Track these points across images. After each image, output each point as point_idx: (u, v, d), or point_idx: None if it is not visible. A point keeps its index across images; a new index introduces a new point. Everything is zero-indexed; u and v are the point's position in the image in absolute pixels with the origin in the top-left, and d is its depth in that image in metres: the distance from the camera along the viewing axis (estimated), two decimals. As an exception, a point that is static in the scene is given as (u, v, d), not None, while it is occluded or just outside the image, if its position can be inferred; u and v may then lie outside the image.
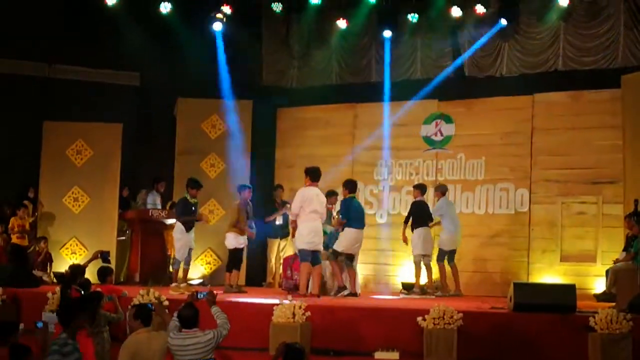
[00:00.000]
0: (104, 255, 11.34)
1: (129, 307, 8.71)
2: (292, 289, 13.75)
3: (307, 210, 12.61)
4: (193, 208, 13.78)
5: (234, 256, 13.74)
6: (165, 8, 15.73)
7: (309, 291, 12.60)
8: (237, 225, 13.60)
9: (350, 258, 13.16)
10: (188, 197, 13.74)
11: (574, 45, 14.95)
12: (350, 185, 13.44)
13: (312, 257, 12.58)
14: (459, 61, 15.68)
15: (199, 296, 8.72)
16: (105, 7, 15.39)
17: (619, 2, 14.58)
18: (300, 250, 12.82)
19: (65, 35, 15.78)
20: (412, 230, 14.06)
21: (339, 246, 13.03)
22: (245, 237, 13.77)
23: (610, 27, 14.66)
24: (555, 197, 14.85)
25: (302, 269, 12.74)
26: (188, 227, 13.61)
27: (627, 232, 13.22)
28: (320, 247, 12.86)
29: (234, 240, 13.61)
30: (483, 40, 15.45)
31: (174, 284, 13.40)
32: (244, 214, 13.70)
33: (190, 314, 8.04)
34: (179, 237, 13.61)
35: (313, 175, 12.99)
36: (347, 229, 13.08)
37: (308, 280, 12.74)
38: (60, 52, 16.13)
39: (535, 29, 15.31)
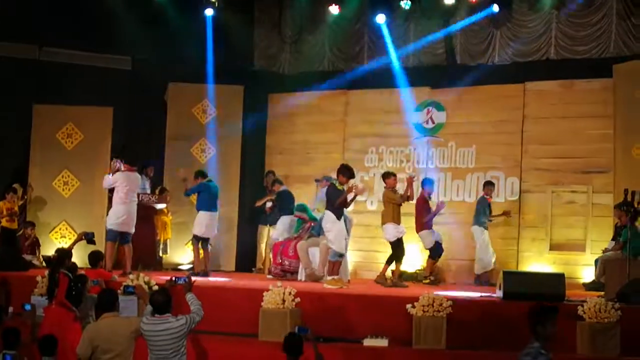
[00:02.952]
0: (88, 237, 11.31)
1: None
2: (281, 275, 13.78)
3: None
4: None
5: (398, 247, 13.26)
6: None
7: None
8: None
9: None
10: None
11: (567, 34, 14.95)
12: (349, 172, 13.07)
13: None
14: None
15: (177, 281, 8.73)
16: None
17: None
18: None
19: (56, 18, 15.64)
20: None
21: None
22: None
23: (603, 16, 14.66)
24: (546, 185, 14.88)
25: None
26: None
27: (616, 222, 13.27)
28: None
29: (394, 231, 13.22)
30: (471, 19, 15.40)
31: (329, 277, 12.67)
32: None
33: (162, 299, 8.08)
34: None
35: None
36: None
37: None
38: (51, 35, 15.98)
39: (528, 17, 15.30)
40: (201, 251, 14.15)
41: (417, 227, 14.17)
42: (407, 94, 16.09)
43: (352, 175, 12.82)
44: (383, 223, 13.20)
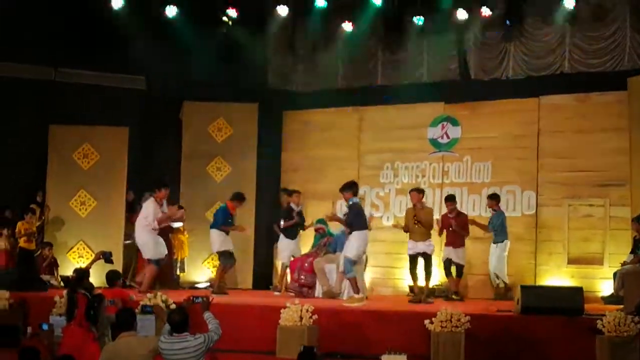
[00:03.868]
0: (106, 256, 11.39)
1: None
2: (299, 292, 13.76)
3: None
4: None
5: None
6: (170, 11, 15.75)
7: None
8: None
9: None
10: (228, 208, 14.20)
11: (580, 48, 14.94)
12: (355, 187, 13.15)
13: None
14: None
15: (195, 300, 8.74)
16: (111, 10, 15.41)
17: (625, 4, 14.56)
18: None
19: (71, 39, 15.76)
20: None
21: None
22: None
23: (617, 29, 14.65)
24: (562, 199, 14.83)
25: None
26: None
27: (634, 235, 13.20)
28: None
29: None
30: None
31: (357, 295, 12.54)
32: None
33: (180, 318, 8.07)
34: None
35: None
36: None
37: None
38: (65, 56, 16.12)
39: (541, 31, 15.30)
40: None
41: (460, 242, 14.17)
42: (422, 109, 16.11)
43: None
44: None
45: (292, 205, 14.86)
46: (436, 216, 14.22)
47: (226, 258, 14.21)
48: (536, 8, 15.24)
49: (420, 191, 13.65)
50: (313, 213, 15.29)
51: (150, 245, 13.50)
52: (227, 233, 14.20)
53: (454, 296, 13.87)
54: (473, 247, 14.61)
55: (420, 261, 13.23)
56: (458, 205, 14.59)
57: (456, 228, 13.91)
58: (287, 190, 15.47)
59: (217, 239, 14.18)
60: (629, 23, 14.50)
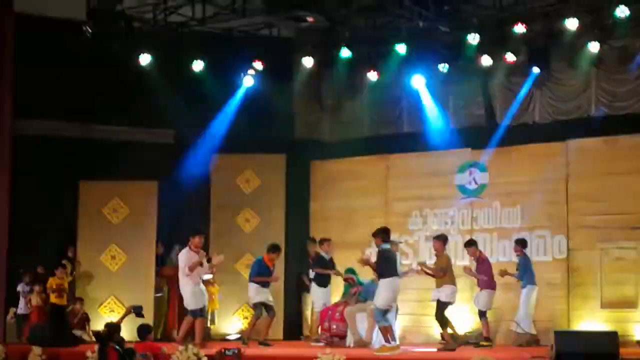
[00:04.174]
0: (136, 310, 11.40)
1: None
2: (330, 341, 13.71)
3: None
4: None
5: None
6: (197, 66, 15.95)
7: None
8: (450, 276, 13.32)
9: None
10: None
11: (606, 91, 14.96)
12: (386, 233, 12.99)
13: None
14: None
15: (226, 353, 8.72)
16: (139, 66, 15.62)
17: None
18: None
19: (99, 95, 16.00)
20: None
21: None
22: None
23: (642, 71, 14.65)
24: (594, 243, 14.71)
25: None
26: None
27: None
28: None
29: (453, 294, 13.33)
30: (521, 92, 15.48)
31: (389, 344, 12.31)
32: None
33: None
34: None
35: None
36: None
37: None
38: (94, 112, 16.33)
39: (567, 75, 15.34)
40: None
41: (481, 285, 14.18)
42: (448, 156, 16.13)
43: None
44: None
45: (322, 253, 14.84)
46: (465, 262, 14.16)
47: (257, 309, 14.22)
48: (561, 52, 15.28)
49: (438, 238, 13.67)
50: (342, 262, 15.24)
51: (187, 294, 13.36)
52: (263, 285, 14.18)
53: (483, 342, 13.76)
54: (504, 293, 14.49)
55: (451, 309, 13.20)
56: (488, 252, 14.58)
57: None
58: (314, 239, 15.51)
59: (251, 291, 14.23)
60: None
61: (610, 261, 14.54)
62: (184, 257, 13.31)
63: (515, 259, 14.86)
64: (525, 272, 14.15)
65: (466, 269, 14.38)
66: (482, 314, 14.05)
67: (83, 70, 15.89)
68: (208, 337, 15.35)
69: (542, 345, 13.12)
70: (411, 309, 15.68)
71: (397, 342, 12.87)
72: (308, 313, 15.47)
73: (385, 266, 12.47)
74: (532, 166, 15.44)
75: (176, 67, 15.94)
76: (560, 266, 14.92)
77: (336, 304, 14.37)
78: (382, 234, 12.66)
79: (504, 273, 14.19)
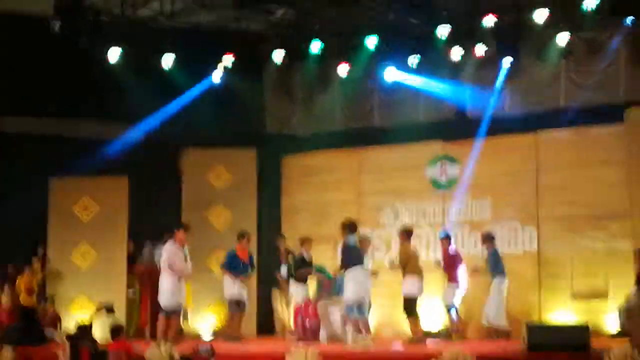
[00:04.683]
0: (107, 307, 11.33)
1: None
2: (303, 336, 13.71)
3: None
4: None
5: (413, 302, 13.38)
6: (167, 61, 15.85)
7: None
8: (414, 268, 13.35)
9: None
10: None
11: (575, 82, 15.00)
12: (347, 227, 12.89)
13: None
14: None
15: (200, 350, 8.71)
16: (108, 61, 15.50)
17: (619, 37, 14.65)
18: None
19: (69, 92, 15.88)
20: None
21: None
22: None
23: (611, 62, 14.71)
24: (564, 234, 14.79)
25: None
26: None
27: (638, 267, 13.13)
28: None
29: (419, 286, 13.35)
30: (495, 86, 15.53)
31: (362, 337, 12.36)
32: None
33: None
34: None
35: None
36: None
37: None
38: (64, 108, 16.20)
39: (536, 67, 15.37)
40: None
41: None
42: (420, 149, 16.15)
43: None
44: None
45: (304, 253, 14.75)
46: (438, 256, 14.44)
47: (231, 306, 14.17)
48: (530, 44, 15.31)
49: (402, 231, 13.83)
50: (315, 256, 15.21)
51: (164, 290, 12.98)
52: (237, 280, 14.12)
53: (453, 336, 13.91)
54: (475, 288, 14.54)
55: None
56: (459, 245, 14.67)
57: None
58: (284, 236, 15.60)
59: (225, 285, 14.18)
60: (624, 56, 14.58)
61: (580, 252, 14.62)
62: (168, 251, 13.02)
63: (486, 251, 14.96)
64: (495, 265, 14.20)
65: (436, 263, 14.45)
66: (449, 309, 14.13)
67: (51, 66, 15.74)
68: (181, 334, 15.32)
69: (513, 338, 13.17)
70: (382, 302, 15.67)
71: (371, 336, 12.91)
72: (280, 308, 15.42)
73: (349, 258, 12.46)
74: (502, 158, 15.49)
75: (145, 62, 15.82)
76: (531, 258, 14.99)
77: (309, 300, 14.36)
78: (345, 228, 12.66)
79: (475, 269, 14.26)
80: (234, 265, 14.20)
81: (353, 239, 12.66)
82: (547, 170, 15.10)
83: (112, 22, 15.53)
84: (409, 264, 13.25)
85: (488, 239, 14.45)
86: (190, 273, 13.47)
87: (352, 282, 12.38)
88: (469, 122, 15.84)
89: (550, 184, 15.02)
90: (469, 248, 15.33)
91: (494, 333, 14.06)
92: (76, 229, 15.78)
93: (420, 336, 13.15)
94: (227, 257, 14.37)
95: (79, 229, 15.80)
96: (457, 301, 14.20)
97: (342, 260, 12.54)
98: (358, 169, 16.81)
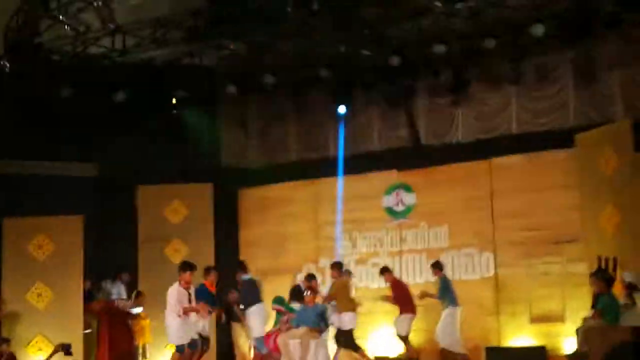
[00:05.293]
0: (65, 348, 11.22)
1: None
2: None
3: None
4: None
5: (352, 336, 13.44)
6: (119, 96, 15.78)
7: None
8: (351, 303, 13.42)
9: None
10: None
11: (526, 108, 15.19)
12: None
13: None
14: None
15: None
16: (59, 98, 15.40)
17: (567, 62, 14.87)
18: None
19: (19, 130, 15.75)
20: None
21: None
22: None
23: (561, 87, 14.92)
24: (520, 259, 14.91)
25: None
26: None
27: (594, 290, 13.23)
28: None
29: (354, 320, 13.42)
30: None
31: None
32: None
33: None
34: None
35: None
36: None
37: None
38: (16, 147, 16.06)
39: (488, 94, 15.54)
40: None
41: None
42: (375, 178, 16.22)
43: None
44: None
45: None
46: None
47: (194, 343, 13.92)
48: (481, 71, 15.50)
49: (333, 265, 14.04)
50: (274, 288, 15.17)
51: (173, 330, 12.82)
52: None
53: None
54: (430, 315, 14.58)
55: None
56: (417, 273, 14.77)
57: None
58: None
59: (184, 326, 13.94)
60: (573, 81, 14.79)
61: (537, 276, 14.72)
62: (175, 294, 12.82)
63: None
64: (445, 294, 14.23)
65: (384, 297, 14.47)
66: (402, 338, 14.18)
67: (3, 106, 15.61)
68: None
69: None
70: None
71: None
72: (240, 342, 15.29)
73: (249, 296, 12.51)
74: (457, 185, 15.60)
75: (98, 99, 15.76)
76: (489, 283, 15.08)
77: (269, 333, 14.27)
78: (240, 265, 12.75)
79: (423, 295, 14.32)
80: (207, 299, 13.96)
81: (249, 277, 13.07)
82: (502, 196, 15.24)
83: (64, 60, 15.48)
84: (339, 298, 13.29)
85: (437, 267, 14.52)
86: (138, 309, 13.89)
87: (255, 319, 12.42)
88: (423, 150, 15.94)
89: (505, 210, 15.15)
90: (428, 276, 15.36)
91: (450, 356, 14.09)
92: (31, 268, 15.55)
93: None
94: (199, 293, 14.08)
95: (34, 268, 15.56)
96: (408, 329, 14.21)
97: (244, 299, 12.74)
98: (315, 199, 16.83)
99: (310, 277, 13.91)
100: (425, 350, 14.88)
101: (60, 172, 16.28)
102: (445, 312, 14.14)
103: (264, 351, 12.36)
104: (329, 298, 13.42)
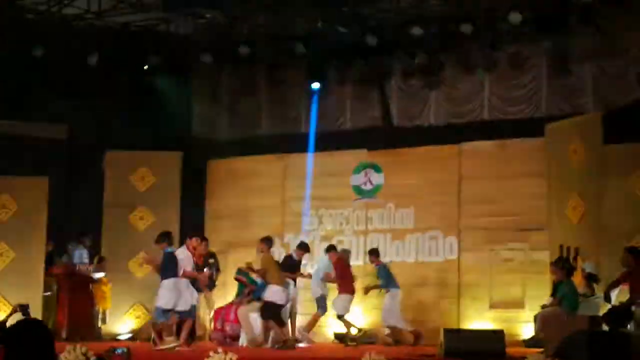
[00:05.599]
0: (23, 308, 11.14)
1: None
2: (223, 341, 13.63)
3: None
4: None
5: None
6: (92, 59, 15.65)
7: None
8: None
9: None
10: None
11: (499, 95, 15.26)
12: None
13: None
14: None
15: (115, 352, 8.60)
16: (31, 58, 15.24)
17: (541, 52, 14.96)
18: None
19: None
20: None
21: None
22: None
23: (533, 77, 15.01)
24: (484, 244, 15.02)
25: None
26: None
27: (554, 278, 13.38)
28: None
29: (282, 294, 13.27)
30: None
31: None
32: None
33: None
34: None
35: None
36: None
37: None
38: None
39: (461, 79, 15.59)
40: None
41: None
42: (345, 156, 16.23)
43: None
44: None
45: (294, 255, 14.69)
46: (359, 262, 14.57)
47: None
48: (456, 55, 15.54)
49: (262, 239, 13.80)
50: (239, 261, 15.16)
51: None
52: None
53: (349, 343, 14.10)
54: (379, 297, 14.69)
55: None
56: (382, 253, 14.82)
57: None
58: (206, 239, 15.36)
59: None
60: (546, 71, 14.88)
61: (499, 262, 14.85)
62: (187, 257, 12.74)
63: (408, 259, 15.13)
64: (387, 279, 14.38)
65: (325, 275, 14.51)
66: (341, 318, 14.29)
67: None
68: (99, 336, 15.12)
69: (432, 344, 13.28)
70: (306, 308, 15.69)
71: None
72: (202, 314, 15.27)
73: (168, 268, 12.49)
74: (425, 168, 15.66)
75: (71, 61, 15.60)
76: (451, 267, 15.18)
77: (230, 304, 14.29)
78: (164, 237, 12.70)
79: (368, 289, 14.44)
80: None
81: (172, 250, 12.72)
82: (470, 181, 15.31)
83: (38, 20, 15.31)
84: (269, 272, 13.30)
85: (375, 255, 14.61)
86: (100, 274, 13.87)
87: (169, 290, 12.38)
88: (394, 131, 15.97)
89: (473, 195, 15.23)
90: (392, 257, 15.43)
91: (399, 333, 14.20)
92: (-6, 228, 15.44)
93: (287, 341, 13.15)
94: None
95: (-3, 228, 15.47)
96: (348, 309, 14.33)
97: (163, 271, 12.49)
98: (283, 174, 16.81)
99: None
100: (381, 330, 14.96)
101: (28, 132, 16.10)
102: (388, 295, 14.33)
103: (161, 320, 12.29)
104: (260, 272, 13.38)
